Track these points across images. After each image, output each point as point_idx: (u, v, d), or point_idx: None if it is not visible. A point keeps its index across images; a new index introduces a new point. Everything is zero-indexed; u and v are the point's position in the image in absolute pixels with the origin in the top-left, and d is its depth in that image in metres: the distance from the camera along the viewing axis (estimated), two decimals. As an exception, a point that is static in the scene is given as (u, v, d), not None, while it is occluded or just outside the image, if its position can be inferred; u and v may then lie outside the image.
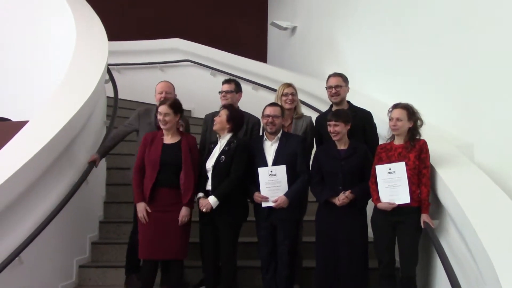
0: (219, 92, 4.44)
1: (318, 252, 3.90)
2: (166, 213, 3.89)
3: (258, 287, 4.17)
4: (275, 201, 3.85)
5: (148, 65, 8.48)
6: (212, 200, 3.86)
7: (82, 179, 4.41)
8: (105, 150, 4.69)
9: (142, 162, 3.98)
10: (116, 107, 5.86)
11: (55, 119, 4.26)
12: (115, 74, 6.85)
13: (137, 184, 3.96)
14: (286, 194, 3.85)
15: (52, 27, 6.27)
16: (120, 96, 6.33)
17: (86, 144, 4.75)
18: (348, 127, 3.84)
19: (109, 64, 5.83)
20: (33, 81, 6.10)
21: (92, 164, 4.54)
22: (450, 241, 3.42)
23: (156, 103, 4.30)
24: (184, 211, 3.89)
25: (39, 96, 5.68)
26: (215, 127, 4.05)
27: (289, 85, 4.36)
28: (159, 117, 3.97)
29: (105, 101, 5.67)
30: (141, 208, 3.89)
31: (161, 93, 4.43)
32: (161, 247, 3.87)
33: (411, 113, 3.69)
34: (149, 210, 3.88)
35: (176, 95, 4.56)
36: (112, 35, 6.25)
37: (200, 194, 3.97)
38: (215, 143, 4.09)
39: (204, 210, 3.87)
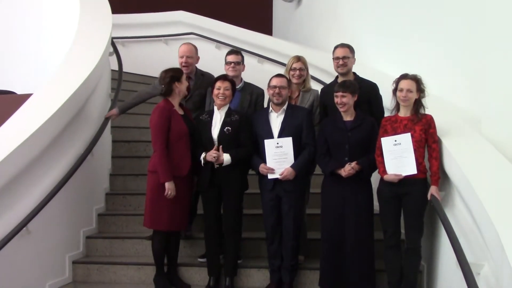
0: (227, 63, 4.37)
1: (324, 223, 3.90)
2: (183, 185, 3.96)
3: (263, 258, 4.21)
4: (281, 174, 3.86)
5: (152, 38, 8.40)
6: (227, 157, 3.89)
7: (88, 151, 4.43)
8: (125, 107, 4.75)
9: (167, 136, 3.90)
10: (120, 79, 5.83)
11: (60, 91, 4.26)
12: (119, 47, 6.80)
13: (167, 160, 3.86)
14: (292, 166, 3.85)
15: (56, 0, 6.21)
16: (124, 69, 6.29)
17: (91, 117, 4.73)
18: (355, 98, 3.80)
19: (113, 37, 5.78)
20: (37, 54, 6.08)
21: (101, 130, 4.56)
22: (455, 212, 3.42)
23: (180, 67, 4.36)
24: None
25: (44, 69, 5.67)
26: (225, 101, 3.99)
27: (298, 59, 4.27)
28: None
29: (110, 74, 5.64)
30: (173, 186, 3.86)
31: (182, 57, 4.44)
32: (182, 218, 4.05)
33: (419, 84, 3.66)
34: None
35: (199, 57, 4.60)
36: (116, 8, 6.19)
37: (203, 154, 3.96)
38: (209, 114, 4.07)
39: (214, 160, 3.87)
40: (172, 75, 3.97)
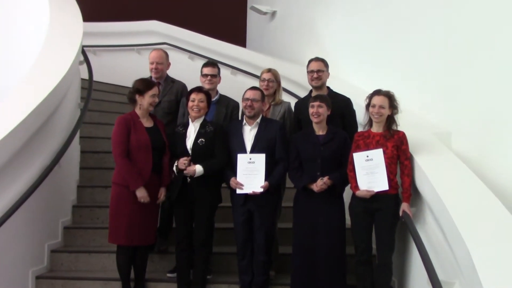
0: (203, 75, 4.28)
1: (296, 238, 3.86)
2: (150, 198, 3.85)
3: (233, 273, 4.12)
4: (263, 187, 3.79)
5: (125, 47, 8.31)
6: (199, 168, 3.82)
7: (54, 162, 4.30)
8: None
9: (127, 146, 3.83)
10: (90, 89, 5.68)
11: (27, 100, 4.12)
12: (90, 56, 6.66)
13: (131, 168, 3.79)
14: (269, 180, 3.81)
15: (25, 6, 6.06)
16: (95, 79, 6.17)
17: (59, 127, 4.60)
18: (329, 113, 3.80)
19: (84, 46, 5.68)
20: (5, 62, 5.90)
21: (69, 141, 4.50)
22: (427, 229, 3.42)
23: (150, 73, 4.36)
24: (163, 191, 3.93)
25: (11, 78, 5.49)
26: (199, 113, 3.94)
27: (268, 70, 4.32)
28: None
29: (80, 83, 5.52)
30: (145, 194, 3.78)
31: (152, 63, 4.42)
32: (145, 232, 3.89)
33: (392, 101, 3.66)
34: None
35: (170, 63, 4.56)
36: (88, 16, 6.09)
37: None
38: (185, 126, 4.01)
39: (185, 172, 3.82)
40: (137, 88, 3.92)
